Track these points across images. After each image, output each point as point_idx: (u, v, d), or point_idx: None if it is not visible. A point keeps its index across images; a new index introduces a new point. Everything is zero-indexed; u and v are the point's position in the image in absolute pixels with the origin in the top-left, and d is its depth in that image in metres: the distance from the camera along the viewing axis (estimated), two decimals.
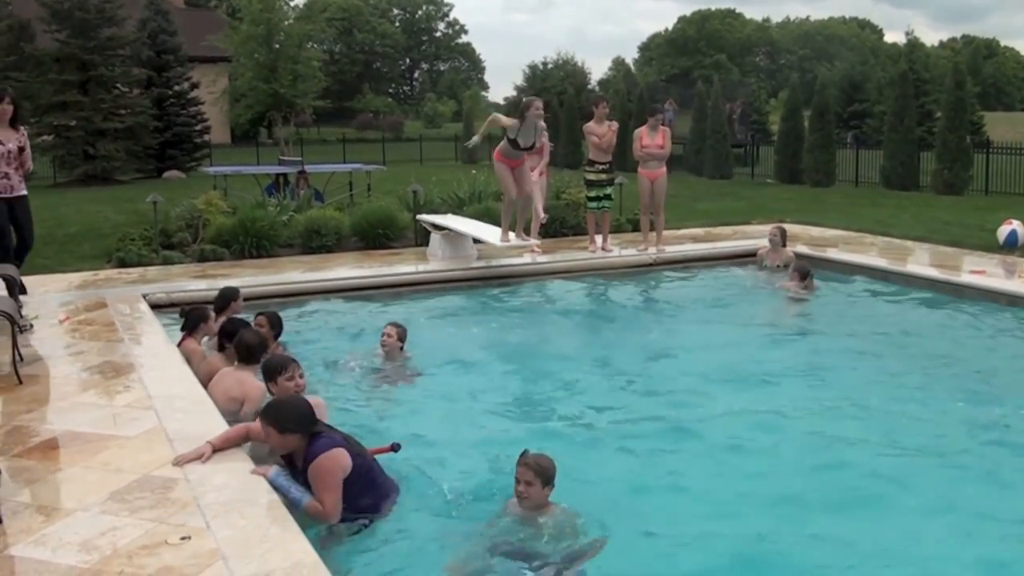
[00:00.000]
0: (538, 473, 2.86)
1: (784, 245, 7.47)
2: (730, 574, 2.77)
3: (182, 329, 4.62)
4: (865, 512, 3.15)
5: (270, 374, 3.52)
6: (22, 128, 5.83)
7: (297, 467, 2.99)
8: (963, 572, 2.72)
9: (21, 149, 5.73)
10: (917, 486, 3.30)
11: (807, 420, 4.03)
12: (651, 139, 7.80)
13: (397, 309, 6.17)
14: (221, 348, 4.18)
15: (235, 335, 3.96)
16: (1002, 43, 67.25)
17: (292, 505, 2.85)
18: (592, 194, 7.91)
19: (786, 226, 8.26)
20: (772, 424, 3.96)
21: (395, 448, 3.36)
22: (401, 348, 4.75)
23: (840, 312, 6.19)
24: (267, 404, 3.13)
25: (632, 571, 2.76)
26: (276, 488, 2.91)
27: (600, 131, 7.75)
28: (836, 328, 5.74)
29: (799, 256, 7.47)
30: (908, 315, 6.05)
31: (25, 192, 5.93)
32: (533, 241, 7.44)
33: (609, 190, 7.93)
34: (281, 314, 4.69)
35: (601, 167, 7.83)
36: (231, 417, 3.57)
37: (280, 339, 4.52)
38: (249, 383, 3.72)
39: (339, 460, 2.91)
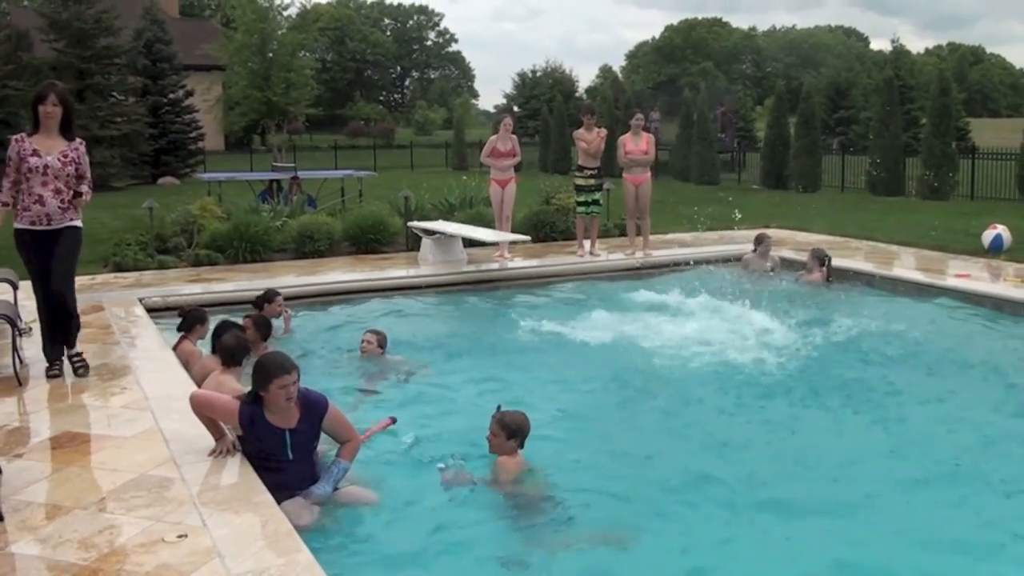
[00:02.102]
0: (502, 426, 3.29)
1: (769, 251, 7.62)
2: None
3: (179, 329, 4.67)
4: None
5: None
6: (77, 140, 4.24)
7: (279, 428, 3.09)
8: None
9: (66, 165, 4.11)
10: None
11: (802, 421, 4.13)
12: (635, 145, 7.95)
13: (389, 312, 6.25)
14: (215, 350, 4.24)
15: (218, 340, 4.02)
16: (988, 50, 68.54)
17: (341, 477, 3.15)
18: (581, 199, 8.05)
19: (773, 231, 8.39)
20: (765, 424, 4.07)
21: (393, 420, 3.58)
22: (383, 353, 4.81)
23: (826, 314, 6.30)
24: (262, 371, 3.06)
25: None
26: (332, 492, 3.12)
27: (589, 137, 7.90)
28: (820, 330, 5.86)
29: (783, 259, 7.62)
30: (893, 317, 6.09)
31: (71, 223, 4.15)
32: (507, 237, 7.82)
33: (597, 195, 8.06)
34: (272, 318, 4.76)
35: (590, 172, 7.97)
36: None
37: (267, 342, 4.56)
38: (227, 387, 3.70)
39: None
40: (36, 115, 4.16)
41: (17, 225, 4.17)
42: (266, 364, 3.10)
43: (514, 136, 8.03)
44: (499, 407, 3.41)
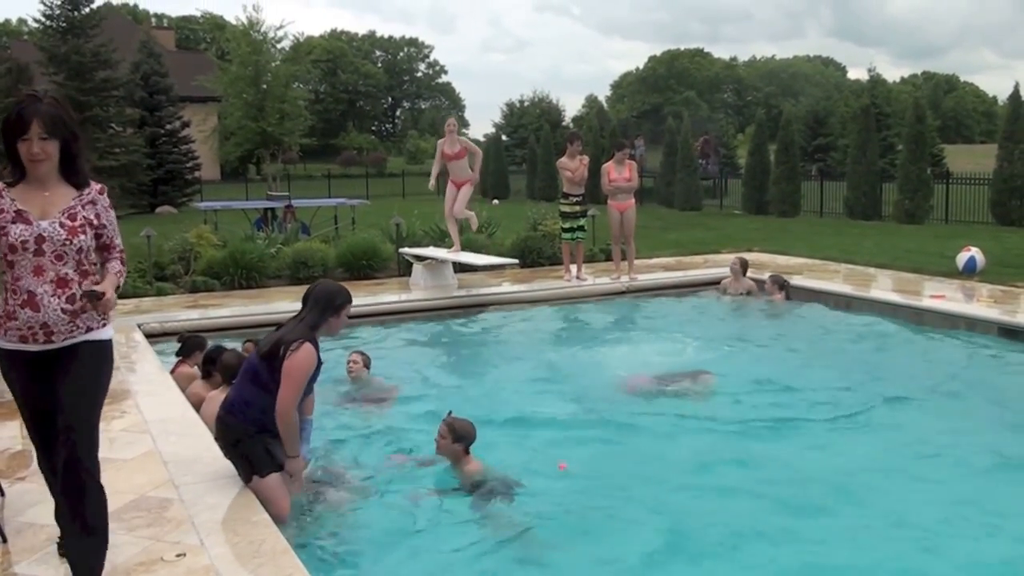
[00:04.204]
0: (450, 429, 3.57)
1: (744, 275, 7.85)
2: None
3: (177, 354, 4.77)
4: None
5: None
6: (92, 187, 2.41)
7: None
8: None
9: (74, 232, 2.32)
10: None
11: (782, 438, 4.25)
12: (619, 173, 8.18)
13: (381, 336, 6.36)
14: (205, 375, 4.34)
15: (218, 360, 4.13)
16: (962, 78, 70.72)
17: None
18: (566, 225, 8.25)
19: (754, 255, 8.61)
20: (748, 444, 4.17)
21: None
22: (368, 373, 4.93)
23: (807, 335, 6.48)
24: (339, 295, 3.22)
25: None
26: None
27: (572, 166, 8.12)
28: (802, 347, 6.05)
29: (756, 280, 7.84)
30: (871, 337, 6.30)
31: (91, 336, 2.37)
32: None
33: (582, 221, 8.25)
34: None
35: (575, 199, 8.18)
36: None
37: None
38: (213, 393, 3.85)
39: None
40: (13, 154, 2.30)
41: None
42: (341, 290, 3.26)
43: (462, 138, 7.97)
44: (450, 413, 3.66)
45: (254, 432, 3.15)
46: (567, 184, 8.22)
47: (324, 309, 3.18)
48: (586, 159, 8.25)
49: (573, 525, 3.27)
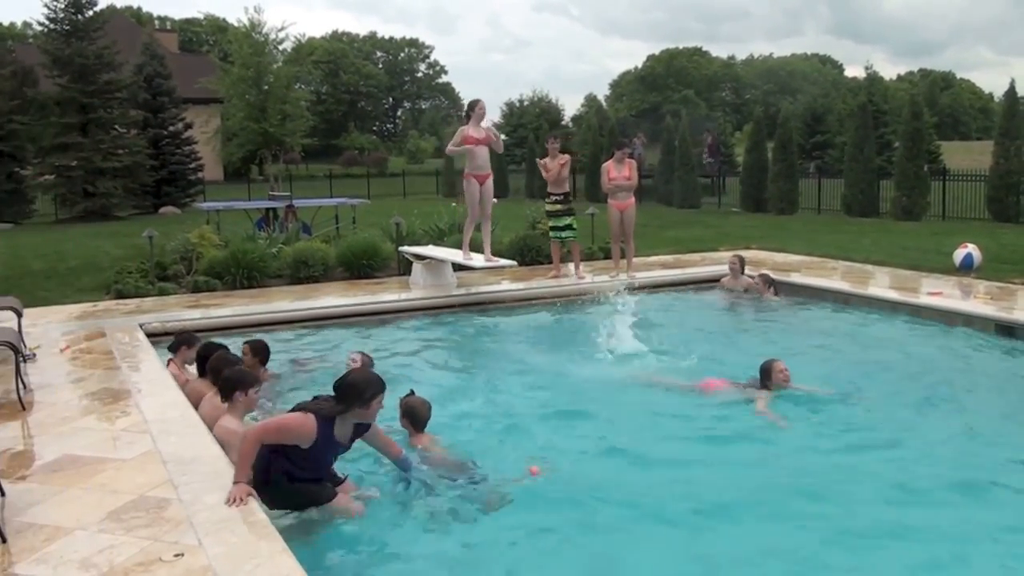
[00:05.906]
0: (400, 407, 3.83)
1: (743, 272, 7.88)
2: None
3: (169, 349, 4.84)
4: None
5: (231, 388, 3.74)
6: None
7: (339, 444, 3.29)
8: None
9: None
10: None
11: (785, 436, 4.27)
12: (618, 171, 8.20)
13: (381, 336, 6.38)
14: (201, 373, 4.35)
15: (209, 359, 4.14)
16: (958, 75, 70.71)
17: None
18: (552, 224, 8.27)
19: (752, 252, 8.64)
20: (743, 443, 4.19)
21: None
22: None
23: (804, 332, 6.50)
24: (369, 386, 3.21)
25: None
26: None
27: (550, 166, 8.12)
28: (803, 344, 6.06)
29: (751, 275, 7.89)
30: (867, 333, 6.32)
31: None
32: (503, 261, 7.85)
33: (568, 220, 8.19)
34: (269, 341, 4.90)
35: (556, 198, 8.17)
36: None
37: (267, 366, 4.71)
38: (224, 420, 3.70)
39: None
40: None
41: None
42: (371, 383, 3.28)
43: (492, 127, 7.82)
44: (411, 391, 3.85)
45: (285, 482, 3.17)
46: (549, 183, 8.22)
47: (351, 403, 3.21)
48: (567, 158, 8.18)
49: (568, 524, 3.27)
